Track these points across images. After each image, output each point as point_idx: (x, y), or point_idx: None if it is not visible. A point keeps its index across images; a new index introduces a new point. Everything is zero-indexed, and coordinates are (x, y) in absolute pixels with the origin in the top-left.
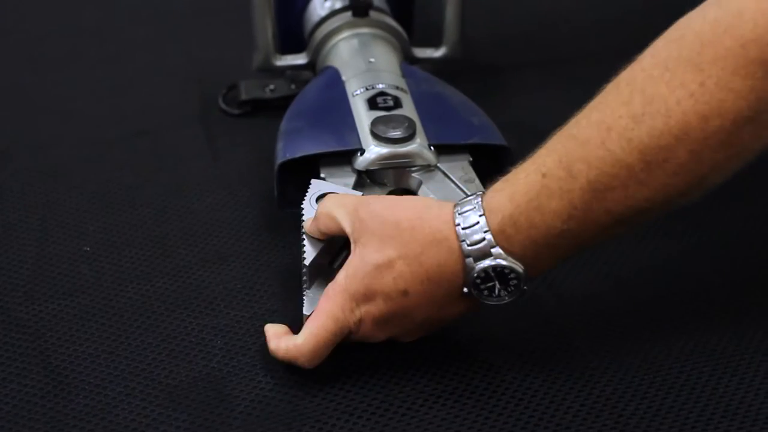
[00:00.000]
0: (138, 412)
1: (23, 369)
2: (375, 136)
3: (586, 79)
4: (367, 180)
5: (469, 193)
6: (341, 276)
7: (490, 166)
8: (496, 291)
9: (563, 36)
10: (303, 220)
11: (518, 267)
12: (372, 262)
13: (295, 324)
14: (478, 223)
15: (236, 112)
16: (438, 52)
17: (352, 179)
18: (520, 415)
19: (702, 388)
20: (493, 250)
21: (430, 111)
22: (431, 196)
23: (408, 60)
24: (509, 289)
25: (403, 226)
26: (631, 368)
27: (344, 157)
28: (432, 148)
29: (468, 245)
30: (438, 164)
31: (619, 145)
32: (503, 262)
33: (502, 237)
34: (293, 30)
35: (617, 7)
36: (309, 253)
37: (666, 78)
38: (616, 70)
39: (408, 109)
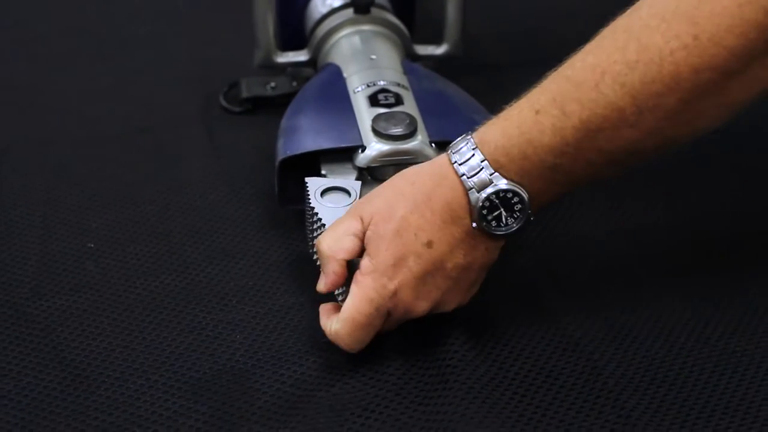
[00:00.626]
0: (160, 404)
1: (38, 363)
2: (376, 132)
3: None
4: (368, 177)
5: None
6: (365, 260)
7: None
8: (504, 219)
9: (565, 33)
10: (318, 218)
11: (519, 190)
12: (389, 231)
13: (317, 318)
14: (473, 155)
15: (237, 109)
16: (439, 49)
17: (352, 176)
18: (523, 411)
19: (704, 384)
20: (492, 177)
21: (432, 108)
22: None
23: (410, 57)
24: (515, 216)
25: (401, 186)
26: (633, 363)
27: (345, 154)
28: (433, 144)
29: (468, 178)
30: None
31: (612, 89)
32: (504, 186)
33: (496, 165)
34: (295, 27)
35: (619, 4)
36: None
37: (662, 28)
38: None
39: (409, 106)
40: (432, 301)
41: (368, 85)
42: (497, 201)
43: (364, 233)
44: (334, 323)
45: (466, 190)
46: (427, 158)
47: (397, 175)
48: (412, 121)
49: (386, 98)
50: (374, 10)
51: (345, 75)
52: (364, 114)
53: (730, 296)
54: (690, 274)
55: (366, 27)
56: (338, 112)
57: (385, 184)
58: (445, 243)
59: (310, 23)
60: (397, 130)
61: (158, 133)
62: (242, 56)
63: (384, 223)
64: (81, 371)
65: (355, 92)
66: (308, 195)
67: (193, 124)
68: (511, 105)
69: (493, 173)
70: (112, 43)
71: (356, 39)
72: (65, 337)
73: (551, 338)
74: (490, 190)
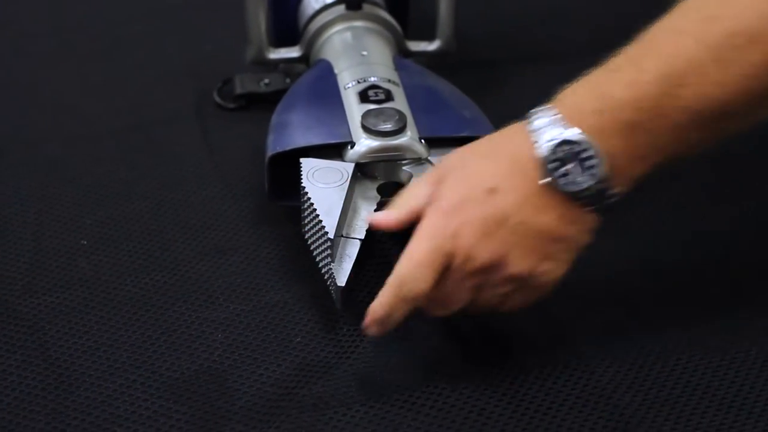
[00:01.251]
0: (139, 404)
1: (23, 362)
2: (365, 129)
3: (580, 74)
4: (357, 173)
5: None
6: (429, 208)
7: None
8: (573, 174)
9: (558, 30)
10: (308, 198)
11: (590, 144)
12: (455, 176)
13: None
14: (543, 108)
15: (231, 106)
16: (432, 46)
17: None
18: (516, 407)
19: (697, 381)
20: (561, 129)
21: (422, 104)
22: None
23: (402, 53)
24: (588, 173)
25: (477, 143)
26: (626, 361)
27: (335, 150)
28: (423, 141)
29: (537, 131)
30: (429, 157)
31: (692, 44)
32: (573, 137)
33: (568, 118)
34: (289, 25)
35: (613, 1)
36: (330, 226)
37: None
38: None
39: (399, 102)
40: (493, 253)
41: (359, 82)
42: (566, 154)
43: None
44: (398, 265)
45: (535, 142)
46: (416, 154)
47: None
48: (402, 117)
49: (376, 94)
50: (366, 7)
51: (336, 71)
52: (354, 110)
53: (723, 293)
54: (681, 271)
55: (358, 23)
56: (328, 109)
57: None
58: (510, 193)
59: (303, 20)
60: (387, 126)
61: (152, 130)
62: (236, 53)
63: (453, 171)
64: (64, 370)
65: (345, 88)
66: (301, 175)
67: (186, 121)
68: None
69: (563, 126)
70: (105, 41)
71: (348, 35)
72: (52, 335)
73: (541, 335)
74: (557, 140)
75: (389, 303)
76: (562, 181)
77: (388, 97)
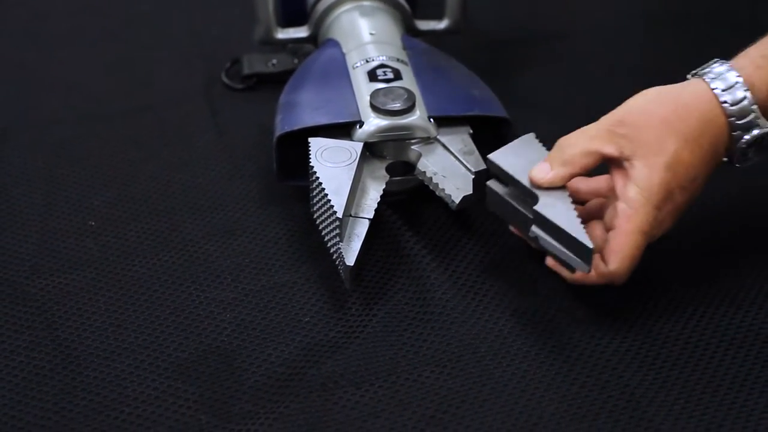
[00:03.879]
0: (147, 385)
1: (31, 342)
2: (374, 108)
3: (590, 54)
4: (366, 152)
5: (468, 165)
6: (633, 192)
7: (491, 138)
8: (751, 155)
9: (567, 10)
10: (316, 177)
11: None
12: (661, 165)
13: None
14: (744, 98)
15: (239, 86)
16: (441, 24)
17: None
18: (525, 387)
19: (708, 359)
20: (757, 119)
21: (431, 83)
22: (431, 168)
23: (410, 32)
24: (760, 153)
25: (671, 119)
26: (636, 340)
27: (343, 130)
28: (432, 120)
29: (736, 120)
30: (438, 136)
31: None
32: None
33: (760, 106)
34: (297, 6)
35: None
36: (339, 206)
37: None
38: (617, 45)
39: (408, 81)
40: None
41: (367, 61)
42: (759, 142)
43: (613, 162)
44: (611, 264)
45: (732, 132)
46: (425, 133)
47: (653, 100)
48: (411, 96)
49: (385, 73)
50: None
51: (344, 51)
52: (363, 89)
53: (732, 271)
54: (689, 252)
55: (366, 2)
56: (337, 88)
57: (644, 111)
58: (704, 177)
59: (311, 0)
60: (395, 105)
61: (160, 111)
62: (243, 33)
63: (654, 157)
64: (72, 350)
65: (354, 68)
66: (310, 154)
67: (194, 101)
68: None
69: (757, 116)
70: (113, 21)
71: (356, 14)
72: (60, 315)
73: (551, 316)
74: (756, 132)
75: (594, 282)
76: (741, 160)
77: (397, 76)
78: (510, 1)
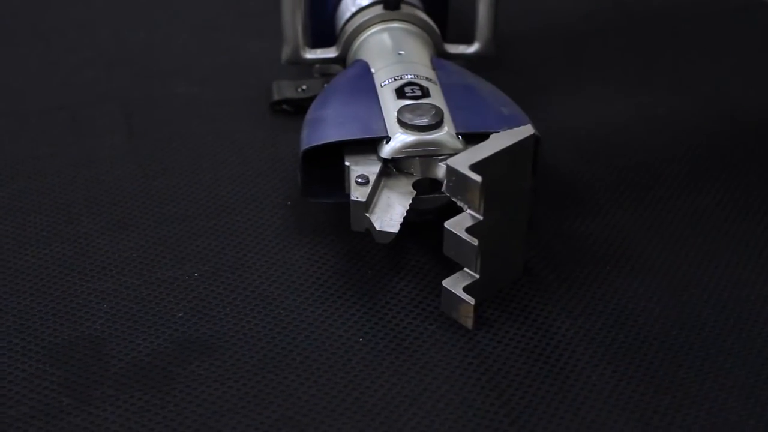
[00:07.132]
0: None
1: None
2: (401, 123)
3: (619, 79)
4: (392, 169)
5: None
6: None
7: None
8: None
9: (603, 34)
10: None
11: None
12: None
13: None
14: None
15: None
16: (471, 48)
17: (377, 168)
18: (547, 357)
19: (729, 330)
20: None
21: (459, 100)
22: None
23: (440, 56)
24: None
25: None
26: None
27: (370, 146)
28: (459, 136)
29: None
30: None
31: None
32: None
33: None
34: (327, 29)
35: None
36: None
37: None
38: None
39: (436, 99)
40: None
41: (395, 79)
42: None
43: None
44: None
45: None
46: (452, 150)
47: None
48: (438, 112)
49: (413, 90)
50: (404, 7)
51: (372, 70)
52: (390, 106)
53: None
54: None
55: (395, 24)
56: (364, 105)
57: None
58: None
59: (340, 22)
60: (423, 121)
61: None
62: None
63: None
64: None
65: (382, 85)
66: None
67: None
68: None
69: None
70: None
71: (385, 35)
72: None
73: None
74: None
75: None
76: None
77: (425, 93)
78: (543, 25)
